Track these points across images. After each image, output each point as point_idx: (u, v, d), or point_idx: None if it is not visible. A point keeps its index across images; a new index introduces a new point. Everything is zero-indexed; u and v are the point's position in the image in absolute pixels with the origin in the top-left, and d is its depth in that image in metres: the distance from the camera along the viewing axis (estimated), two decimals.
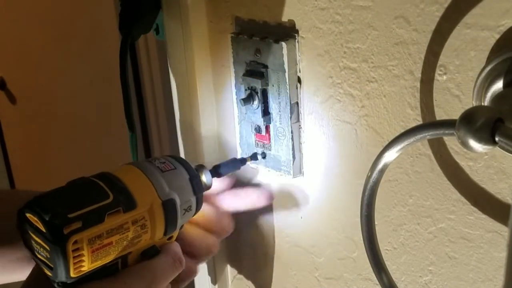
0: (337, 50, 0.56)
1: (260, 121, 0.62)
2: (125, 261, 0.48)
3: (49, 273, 0.45)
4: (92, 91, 1.63)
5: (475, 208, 0.50)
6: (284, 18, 0.59)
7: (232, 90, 0.65)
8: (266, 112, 0.62)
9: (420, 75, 0.50)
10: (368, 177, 0.50)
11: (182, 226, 0.53)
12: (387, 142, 0.48)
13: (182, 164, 0.53)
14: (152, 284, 0.47)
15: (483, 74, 0.45)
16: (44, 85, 1.91)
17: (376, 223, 0.52)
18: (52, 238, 0.42)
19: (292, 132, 0.61)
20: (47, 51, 1.81)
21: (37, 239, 0.44)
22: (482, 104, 0.46)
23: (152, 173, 0.50)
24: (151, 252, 0.50)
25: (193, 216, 0.53)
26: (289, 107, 0.60)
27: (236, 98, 0.64)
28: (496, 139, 0.40)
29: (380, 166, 0.49)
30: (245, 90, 0.62)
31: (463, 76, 0.48)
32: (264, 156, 0.62)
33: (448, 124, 0.43)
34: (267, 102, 0.61)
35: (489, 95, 0.45)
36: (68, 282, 0.44)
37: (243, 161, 0.61)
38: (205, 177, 0.55)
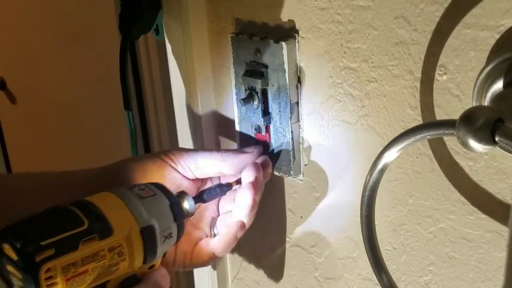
0: (337, 50, 0.56)
1: (260, 121, 0.62)
2: None
3: None
4: (92, 91, 1.63)
5: (475, 208, 0.50)
6: (284, 18, 0.59)
7: (232, 90, 0.65)
8: (266, 112, 0.62)
9: (420, 75, 0.50)
10: (368, 177, 0.50)
11: (164, 254, 0.52)
12: (387, 142, 0.48)
13: (162, 191, 0.51)
14: None
15: (483, 74, 0.45)
16: (44, 85, 1.90)
17: (376, 223, 0.52)
18: (24, 266, 0.41)
19: (292, 132, 0.61)
20: (47, 51, 1.81)
21: (10, 268, 0.43)
22: (482, 104, 0.46)
23: (130, 200, 0.49)
24: (131, 281, 0.48)
25: (174, 243, 0.51)
26: (289, 107, 0.60)
27: (236, 98, 0.64)
28: (496, 139, 0.40)
29: (380, 166, 0.49)
30: (245, 90, 0.62)
31: (463, 76, 0.48)
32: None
33: (448, 124, 0.43)
34: (267, 102, 0.61)
35: (489, 95, 0.45)
36: None
37: (228, 186, 0.59)
38: (187, 204, 0.53)
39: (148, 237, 0.48)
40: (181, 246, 0.57)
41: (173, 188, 0.55)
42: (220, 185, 0.58)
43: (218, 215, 0.62)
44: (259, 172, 0.57)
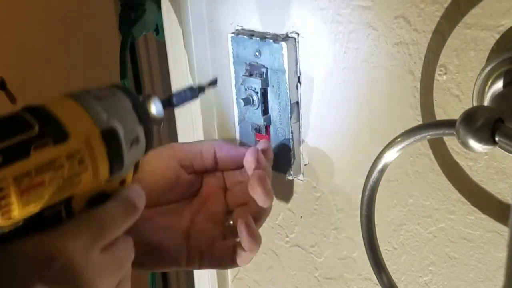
0: (337, 50, 0.56)
1: (260, 121, 0.62)
2: (70, 209, 0.41)
3: None
4: None
5: (475, 208, 0.50)
6: (284, 18, 0.59)
7: (232, 90, 0.65)
8: (266, 112, 0.62)
9: (420, 75, 0.50)
10: (368, 177, 0.50)
11: (137, 167, 0.46)
12: (387, 142, 0.48)
13: (123, 91, 0.45)
14: (101, 233, 0.40)
15: (483, 74, 0.45)
16: (44, 85, 1.90)
17: (376, 223, 0.52)
18: None
19: (292, 132, 0.61)
20: (47, 51, 1.81)
21: None
22: (482, 104, 0.46)
23: (86, 101, 0.42)
24: (99, 199, 0.43)
25: (144, 152, 0.45)
26: (289, 107, 0.60)
27: (236, 98, 0.64)
28: (496, 139, 0.40)
29: (380, 166, 0.49)
30: (245, 90, 0.62)
31: (463, 76, 0.48)
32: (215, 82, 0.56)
33: (448, 124, 0.43)
34: (267, 102, 0.61)
35: (489, 95, 0.45)
36: (0, 232, 0.37)
37: (201, 89, 0.53)
38: (154, 107, 0.46)
39: (111, 141, 0.41)
40: (196, 241, 0.55)
41: (172, 178, 0.54)
42: (191, 88, 0.52)
43: (227, 210, 0.60)
44: (259, 153, 0.55)
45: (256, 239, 0.53)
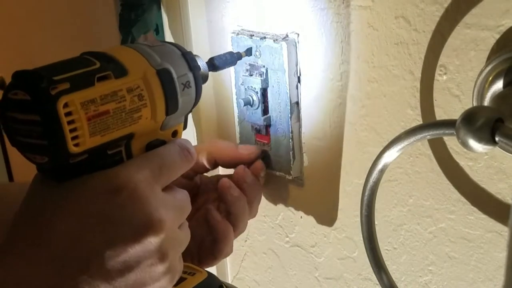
0: (337, 50, 0.56)
1: (260, 121, 0.62)
2: (129, 151, 0.44)
3: (42, 160, 0.40)
4: None
5: (475, 208, 0.50)
6: (284, 18, 0.59)
7: (232, 90, 0.65)
8: (266, 112, 0.62)
9: (420, 75, 0.50)
10: (368, 177, 0.50)
11: (186, 122, 0.49)
12: (387, 142, 0.48)
13: (171, 43, 0.48)
14: (161, 170, 0.43)
15: (483, 74, 0.45)
16: None
17: (376, 223, 0.52)
18: (40, 102, 0.38)
19: (292, 132, 0.61)
20: (47, 51, 1.81)
21: (23, 117, 0.39)
22: (482, 104, 0.46)
23: (139, 47, 0.45)
24: (157, 143, 0.46)
25: (194, 99, 0.48)
26: (289, 107, 0.60)
27: (236, 98, 0.64)
28: (496, 139, 0.40)
29: (380, 166, 0.49)
30: (245, 90, 0.62)
31: (463, 76, 0.48)
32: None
33: (448, 124, 0.43)
34: (267, 102, 0.61)
35: (489, 95, 0.45)
36: (70, 161, 0.40)
37: (239, 56, 0.57)
38: (200, 62, 0.49)
39: (166, 79, 0.44)
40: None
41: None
42: (231, 53, 0.57)
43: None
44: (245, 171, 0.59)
45: (224, 229, 0.55)
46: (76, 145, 0.39)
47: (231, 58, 0.57)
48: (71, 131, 0.39)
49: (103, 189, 0.39)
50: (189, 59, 0.47)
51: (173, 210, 0.42)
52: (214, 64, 0.54)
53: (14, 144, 0.40)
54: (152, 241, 0.39)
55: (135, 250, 0.38)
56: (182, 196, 0.45)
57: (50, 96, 0.38)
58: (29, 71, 0.40)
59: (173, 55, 0.47)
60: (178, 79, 0.45)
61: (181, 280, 0.47)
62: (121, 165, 0.42)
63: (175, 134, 0.48)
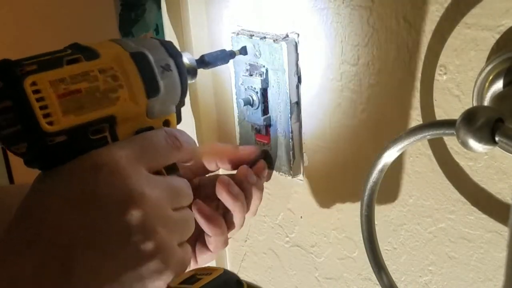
0: (337, 50, 0.56)
1: (260, 121, 0.62)
2: (115, 137, 0.43)
3: (24, 148, 0.39)
4: None
5: (475, 208, 0.50)
6: (284, 18, 0.59)
7: (232, 90, 0.65)
8: (266, 112, 0.62)
9: (420, 75, 0.50)
10: (368, 177, 0.50)
11: (179, 114, 0.48)
12: (387, 142, 0.48)
13: (155, 38, 0.48)
14: (144, 149, 0.42)
15: (483, 74, 0.45)
16: None
17: (376, 223, 0.52)
18: (8, 84, 0.38)
19: (292, 132, 0.61)
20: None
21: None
22: (482, 104, 0.46)
23: (115, 39, 0.45)
24: (144, 130, 0.45)
25: (180, 87, 0.47)
26: (289, 107, 0.60)
27: (236, 98, 0.64)
28: (496, 139, 0.40)
29: (380, 166, 0.49)
30: (245, 90, 0.62)
31: (463, 76, 0.48)
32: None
33: (448, 124, 0.43)
34: (267, 102, 0.61)
35: (489, 95, 0.45)
36: (48, 143, 0.39)
37: (232, 54, 0.57)
38: (185, 57, 0.49)
39: (141, 62, 0.44)
40: None
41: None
42: (223, 51, 0.56)
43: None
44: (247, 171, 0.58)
45: (211, 221, 0.54)
46: (50, 123, 0.39)
47: (222, 55, 0.56)
48: (42, 108, 0.38)
49: (84, 167, 0.39)
50: (168, 47, 0.47)
51: (161, 189, 0.41)
52: (204, 60, 0.54)
53: (0, 140, 0.40)
54: (134, 214, 0.38)
55: (118, 226, 0.37)
56: (178, 181, 0.44)
57: (17, 76, 0.38)
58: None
59: (150, 42, 0.46)
60: (156, 62, 0.45)
61: (196, 280, 0.47)
62: (104, 146, 0.41)
63: (167, 124, 0.47)
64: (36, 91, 0.38)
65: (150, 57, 0.45)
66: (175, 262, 0.41)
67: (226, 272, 0.50)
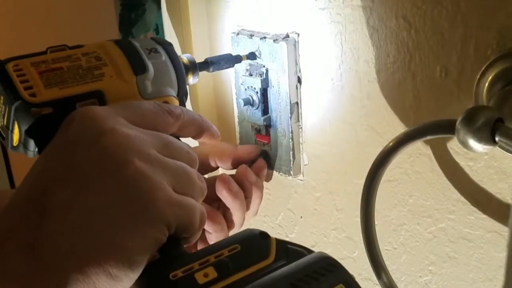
0: (337, 50, 0.56)
1: (260, 121, 0.62)
2: None
3: (7, 132, 0.41)
4: None
5: (475, 208, 0.50)
6: (284, 18, 0.59)
7: (232, 90, 0.65)
8: (266, 112, 0.62)
9: (420, 75, 0.50)
10: (368, 177, 0.50)
11: (182, 99, 0.48)
12: (387, 142, 0.48)
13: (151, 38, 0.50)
14: (128, 107, 0.41)
15: (483, 74, 0.45)
16: None
17: (376, 223, 0.52)
18: None
19: (292, 132, 0.61)
20: None
21: None
22: (482, 104, 0.46)
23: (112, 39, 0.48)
24: None
25: (169, 63, 0.47)
26: (289, 107, 0.60)
27: (236, 98, 0.64)
28: (496, 139, 0.40)
29: (380, 166, 0.49)
30: (245, 90, 0.62)
31: (463, 76, 0.48)
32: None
33: (448, 124, 0.43)
34: (267, 102, 0.61)
35: (489, 95, 0.45)
36: (33, 114, 0.40)
37: (238, 58, 0.57)
38: (185, 56, 0.50)
39: (126, 46, 0.45)
40: None
41: None
42: (229, 55, 0.57)
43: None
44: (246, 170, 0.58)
45: (211, 217, 0.55)
46: (32, 95, 0.40)
47: (227, 59, 0.57)
48: (22, 82, 0.41)
49: (63, 123, 0.39)
50: (157, 38, 0.48)
51: (143, 133, 0.39)
52: (208, 62, 0.55)
53: None
54: (102, 142, 0.36)
55: (87, 159, 0.36)
56: (171, 137, 0.42)
57: (1, 61, 0.41)
58: None
59: (143, 39, 0.48)
60: (141, 46, 0.46)
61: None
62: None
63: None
64: (18, 70, 0.41)
65: (136, 43, 0.46)
66: (162, 198, 0.36)
67: (248, 229, 0.50)
